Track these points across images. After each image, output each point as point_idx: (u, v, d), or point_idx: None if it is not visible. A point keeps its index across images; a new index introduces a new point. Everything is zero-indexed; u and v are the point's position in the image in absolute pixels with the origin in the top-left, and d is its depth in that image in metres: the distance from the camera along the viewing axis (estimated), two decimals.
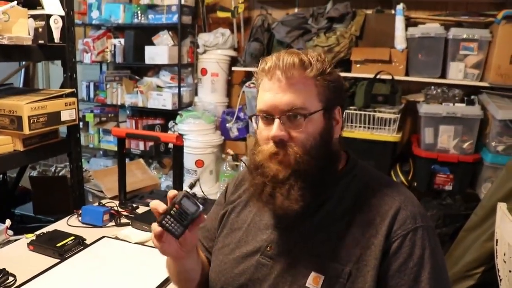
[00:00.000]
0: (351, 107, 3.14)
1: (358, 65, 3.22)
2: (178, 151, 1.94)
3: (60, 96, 1.99)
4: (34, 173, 2.69)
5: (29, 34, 1.83)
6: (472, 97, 2.96)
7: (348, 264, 0.95)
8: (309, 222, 1.01)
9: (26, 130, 1.80)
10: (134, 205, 2.03)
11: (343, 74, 3.25)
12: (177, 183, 2.00)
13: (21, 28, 1.77)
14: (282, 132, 0.95)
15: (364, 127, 3.11)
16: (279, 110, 0.96)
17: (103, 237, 1.74)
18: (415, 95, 3.26)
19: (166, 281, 1.41)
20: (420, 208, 1.00)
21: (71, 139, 2.14)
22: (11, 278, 1.44)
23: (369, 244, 0.95)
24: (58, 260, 1.56)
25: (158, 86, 4.00)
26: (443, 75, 3.05)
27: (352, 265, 0.94)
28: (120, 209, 1.98)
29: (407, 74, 3.14)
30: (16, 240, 1.78)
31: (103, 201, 2.11)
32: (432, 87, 3.03)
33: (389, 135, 3.06)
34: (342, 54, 3.23)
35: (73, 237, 1.67)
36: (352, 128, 3.14)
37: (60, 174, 2.68)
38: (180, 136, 1.87)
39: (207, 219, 1.22)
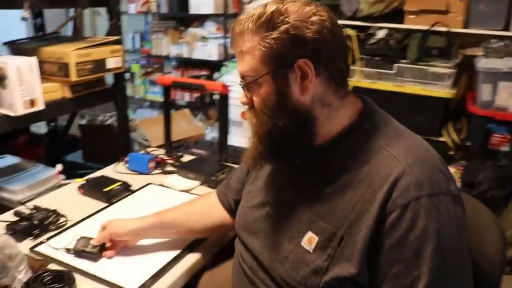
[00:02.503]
0: (402, 61, 3.00)
1: (411, 16, 3.05)
2: (223, 100, 1.90)
3: (106, 44, 1.98)
4: (83, 122, 2.74)
5: None
6: None
7: (340, 228, 0.89)
8: (313, 179, 0.98)
9: (73, 77, 1.81)
10: (180, 154, 2.03)
11: (394, 26, 3.11)
12: (223, 134, 1.98)
13: None
14: (244, 99, 0.99)
15: (416, 81, 2.98)
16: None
17: (149, 184, 1.76)
18: (473, 49, 3.06)
19: None
20: (435, 174, 0.86)
21: (117, 87, 2.15)
22: (62, 219, 1.48)
23: (364, 210, 0.86)
24: (106, 204, 1.59)
25: (203, 37, 3.95)
26: (507, 27, 2.84)
27: (345, 230, 0.88)
28: (165, 157, 1.98)
29: (465, 26, 2.95)
30: (67, 184, 1.83)
31: (149, 150, 2.13)
32: (493, 40, 2.84)
33: (442, 90, 2.91)
34: (395, 3, 3.06)
35: (119, 183, 1.70)
36: (402, 83, 3.01)
37: (107, 123, 2.72)
38: (226, 85, 1.83)
39: (233, 176, 1.30)
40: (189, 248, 1.32)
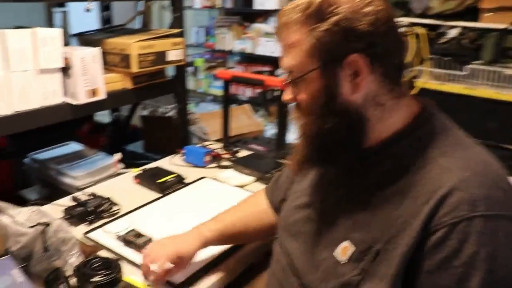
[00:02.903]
0: (475, 62, 2.82)
1: (488, 14, 2.86)
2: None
3: (168, 36, 1.99)
4: (145, 113, 2.80)
5: None
6: None
7: (378, 242, 0.81)
8: (356, 185, 0.90)
9: (135, 68, 1.83)
10: (236, 149, 2.01)
11: (468, 24, 2.93)
12: (281, 131, 1.94)
13: None
14: (289, 96, 0.91)
15: (490, 84, 2.79)
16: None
17: (203, 177, 1.75)
18: None
19: None
20: (495, 192, 0.75)
21: (178, 79, 2.16)
22: (116, 207, 1.50)
23: (405, 226, 0.77)
24: (159, 195, 1.60)
25: (267, 33, 3.93)
26: None
27: (382, 245, 0.80)
28: (222, 152, 1.97)
29: None
30: (124, 173, 1.86)
31: (206, 143, 2.13)
32: None
33: None
34: (470, 0, 2.88)
35: (174, 175, 1.70)
36: (474, 85, 2.83)
37: (167, 115, 2.76)
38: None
39: (283, 173, 1.25)
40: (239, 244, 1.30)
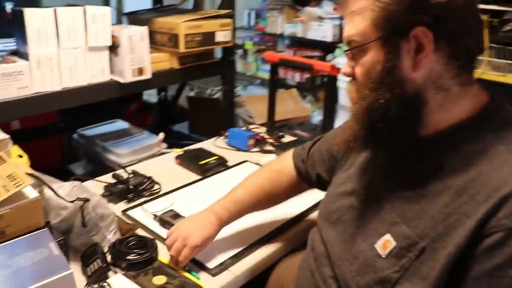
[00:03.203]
0: None
1: None
2: (331, 82, 1.80)
3: (217, 17, 1.97)
4: (192, 93, 2.81)
5: None
6: None
7: (424, 239, 0.74)
8: (407, 175, 0.83)
9: (182, 48, 1.82)
10: (281, 134, 1.98)
11: None
12: (328, 117, 1.88)
13: None
14: (347, 69, 0.85)
15: None
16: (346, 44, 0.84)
17: (245, 161, 1.73)
18: None
19: (308, 211, 1.37)
20: None
21: (225, 61, 2.14)
22: (156, 186, 1.51)
23: (457, 225, 0.71)
24: (200, 177, 1.59)
25: (319, 17, 3.83)
26: None
27: (428, 242, 0.74)
28: (266, 136, 1.94)
29: None
30: (166, 153, 1.87)
31: (251, 127, 2.10)
32: None
33: None
34: None
35: (216, 157, 1.69)
36: None
37: (214, 96, 2.75)
38: (335, 66, 1.73)
39: (321, 145, 1.18)
40: (274, 233, 1.27)
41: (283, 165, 1.26)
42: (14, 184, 0.98)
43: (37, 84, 1.51)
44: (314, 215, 1.33)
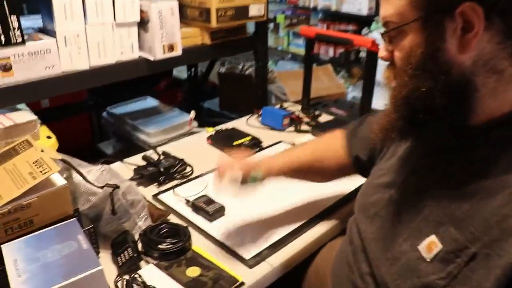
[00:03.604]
0: None
1: None
2: (371, 58, 1.69)
3: None
4: (223, 70, 2.72)
5: None
6: None
7: (475, 243, 0.65)
8: (454, 169, 0.74)
9: (214, 23, 1.73)
10: (317, 113, 1.88)
11: None
12: (367, 96, 1.78)
13: None
14: (384, 52, 0.78)
15: None
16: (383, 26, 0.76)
17: (280, 141, 1.65)
18: None
19: (351, 194, 1.29)
20: None
21: (258, 36, 2.04)
22: (188, 169, 1.45)
23: None
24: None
25: None
26: None
27: (481, 246, 0.64)
28: (301, 115, 1.85)
29: None
30: (197, 132, 1.80)
31: (285, 105, 2.01)
32: None
33: None
34: None
35: (250, 138, 1.62)
36: None
37: (246, 72, 2.66)
38: (376, 42, 1.62)
39: (365, 128, 1.10)
40: (313, 220, 1.19)
41: (333, 143, 1.17)
42: (41, 171, 0.92)
43: (64, 63, 1.45)
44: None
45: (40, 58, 1.40)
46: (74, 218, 0.91)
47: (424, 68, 0.68)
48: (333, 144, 1.16)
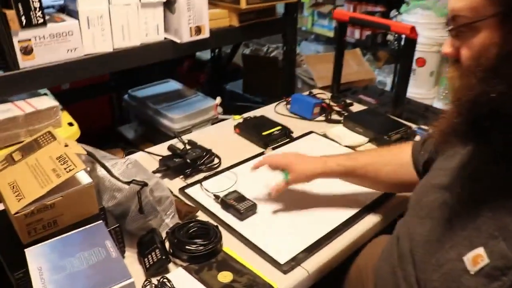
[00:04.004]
0: None
1: None
2: (410, 45, 1.59)
3: None
4: (247, 51, 2.62)
5: None
6: None
7: None
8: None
9: (243, 4, 1.64)
10: (348, 101, 1.79)
11: None
12: (402, 84, 1.68)
13: None
14: (449, 49, 0.70)
15: None
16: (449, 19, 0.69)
17: (311, 132, 1.57)
18: None
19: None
20: None
21: (287, 18, 1.94)
22: (216, 160, 1.37)
23: None
24: (261, 150, 1.44)
25: None
26: None
27: None
28: (332, 103, 1.76)
29: None
30: (223, 120, 1.72)
31: (314, 91, 1.92)
32: None
33: None
34: None
35: (280, 127, 1.53)
36: None
37: (271, 55, 2.56)
38: (415, 28, 1.51)
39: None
40: (353, 219, 1.11)
41: (399, 156, 1.11)
42: (65, 169, 0.86)
43: (87, 45, 1.38)
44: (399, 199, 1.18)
45: (62, 41, 1.33)
46: (100, 221, 0.85)
47: (497, 71, 0.60)
48: (399, 157, 1.10)
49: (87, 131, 1.50)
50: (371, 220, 1.13)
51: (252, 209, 1.12)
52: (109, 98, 2.32)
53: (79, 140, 1.41)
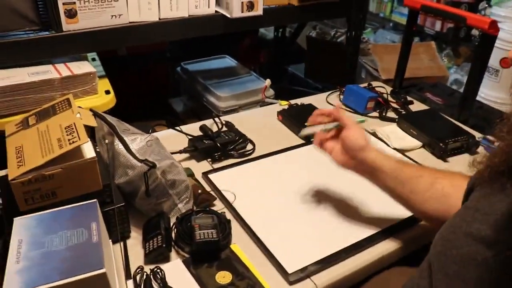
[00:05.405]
0: None
1: None
2: (487, 42, 1.40)
3: None
4: (313, 33, 2.49)
5: None
6: None
7: None
8: None
9: None
10: (409, 99, 1.63)
11: None
12: (473, 85, 1.50)
13: None
14: None
15: None
16: None
17: None
18: None
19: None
20: None
21: (353, 1, 1.79)
22: (249, 147, 1.30)
23: None
24: (302, 142, 1.34)
25: None
26: None
27: None
28: (390, 99, 1.61)
29: None
30: (270, 104, 1.63)
31: (374, 84, 1.77)
32: None
33: None
34: None
35: None
36: None
37: (338, 40, 2.41)
38: (496, 23, 1.33)
39: None
40: (378, 236, 0.99)
41: (453, 179, 0.89)
42: (69, 140, 0.82)
43: (132, 13, 1.33)
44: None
45: (107, 6, 1.29)
46: (94, 200, 0.80)
47: None
48: (447, 187, 0.89)
49: (141, 100, 1.48)
50: (397, 242, 0.99)
51: None
52: (165, 69, 2.29)
53: (125, 108, 1.38)
